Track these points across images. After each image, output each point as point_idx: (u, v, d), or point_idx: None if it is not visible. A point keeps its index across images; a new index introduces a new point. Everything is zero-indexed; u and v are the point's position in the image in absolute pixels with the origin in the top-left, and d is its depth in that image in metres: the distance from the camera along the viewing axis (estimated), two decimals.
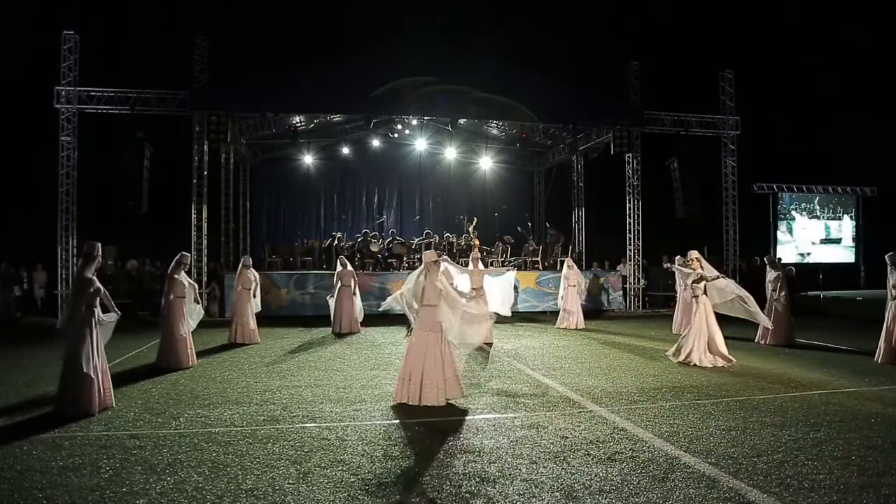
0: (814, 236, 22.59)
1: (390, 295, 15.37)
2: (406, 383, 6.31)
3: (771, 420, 5.63)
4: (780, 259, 16.20)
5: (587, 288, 15.17)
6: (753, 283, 18.26)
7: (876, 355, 8.79)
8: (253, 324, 11.02)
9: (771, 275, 11.12)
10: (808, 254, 22.15)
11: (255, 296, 11.19)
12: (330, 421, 5.67)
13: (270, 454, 4.71)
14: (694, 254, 9.25)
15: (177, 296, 8.62)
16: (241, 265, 11.36)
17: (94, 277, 6.09)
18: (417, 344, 6.37)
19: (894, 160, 22.78)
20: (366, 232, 18.44)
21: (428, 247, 17.35)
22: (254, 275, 11.28)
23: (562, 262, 15.51)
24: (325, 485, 4.09)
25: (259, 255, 17.84)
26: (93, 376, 5.86)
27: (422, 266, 6.52)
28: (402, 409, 6.10)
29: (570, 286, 13.40)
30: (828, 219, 22.84)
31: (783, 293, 10.87)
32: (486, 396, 6.65)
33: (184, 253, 8.90)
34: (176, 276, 8.62)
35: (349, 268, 12.78)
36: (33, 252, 16.86)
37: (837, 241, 22.88)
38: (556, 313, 13.94)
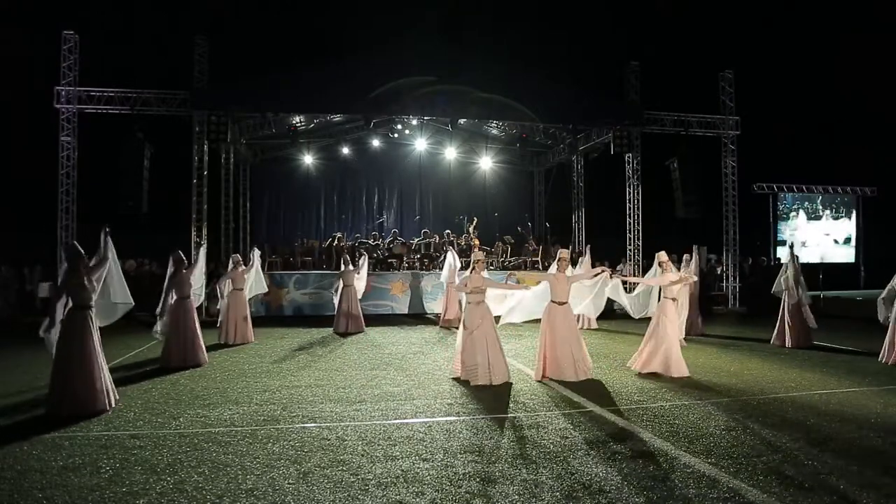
0: (817, 236, 22.57)
1: (390, 294, 15.62)
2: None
3: (771, 420, 5.62)
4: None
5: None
6: (754, 283, 18.38)
7: (881, 356, 8.72)
8: (248, 322, 11.06)
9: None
10: (831, 260, 22.06)
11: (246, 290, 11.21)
12: (330, 421, 5.67)
13: (270, 454, 4.71)
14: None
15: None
16: (231, 264, 11.35)
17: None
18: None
19: (894, 160, 22.78)
20: (357, 236, 18.67)
21: (428, 246, 17.37)
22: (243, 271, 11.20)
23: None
24: (325, 485, 4.10)
25: None
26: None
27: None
28: (405, 406, 6.12)
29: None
30: (829, 218, 22.83)
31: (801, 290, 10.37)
32: (486, 396, 6.65)
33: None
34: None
35: (351, 267, 12.77)
36: (33, 252, 16.84)
37: (837, 241, 22.87)
38: None
